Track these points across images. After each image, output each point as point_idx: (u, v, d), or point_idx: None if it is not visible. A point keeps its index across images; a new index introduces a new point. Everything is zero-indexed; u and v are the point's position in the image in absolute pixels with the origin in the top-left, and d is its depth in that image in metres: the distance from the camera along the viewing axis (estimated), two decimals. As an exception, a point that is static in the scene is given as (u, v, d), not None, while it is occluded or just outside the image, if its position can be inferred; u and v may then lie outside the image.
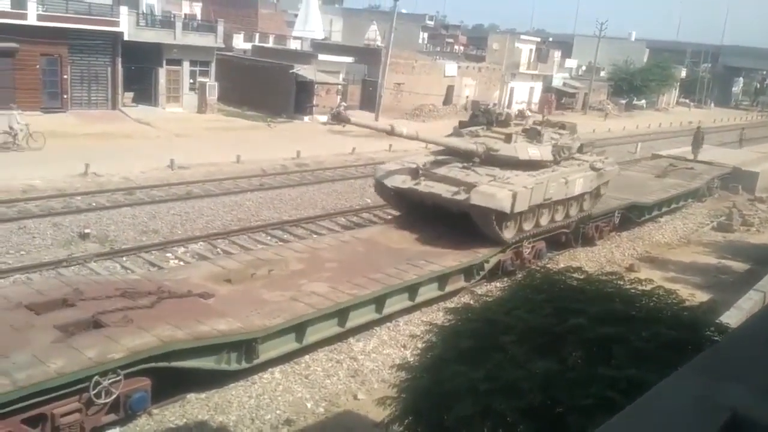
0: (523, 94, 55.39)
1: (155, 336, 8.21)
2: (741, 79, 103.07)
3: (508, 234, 14.12)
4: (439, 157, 15.37)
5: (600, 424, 1.74)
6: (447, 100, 46.52)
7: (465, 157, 14.92)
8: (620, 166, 28.88)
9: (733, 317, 10.13)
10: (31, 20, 27.86)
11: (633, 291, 5.39)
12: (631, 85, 66.95)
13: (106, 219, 16.07)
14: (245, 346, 9.20)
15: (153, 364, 8.08)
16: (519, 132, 15.55)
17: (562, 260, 15.97)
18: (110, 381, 7.58)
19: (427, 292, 12.65)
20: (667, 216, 22.47)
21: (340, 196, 20.69)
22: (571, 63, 69.36)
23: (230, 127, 31.99)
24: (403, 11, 59.92)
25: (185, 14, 41.96)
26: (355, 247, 13.65)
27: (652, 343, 4.50)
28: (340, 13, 70.99)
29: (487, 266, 14.05)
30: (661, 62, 72.06)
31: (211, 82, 35.53)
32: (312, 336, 10.29)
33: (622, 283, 5.56)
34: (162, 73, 34.04)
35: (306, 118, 37.06)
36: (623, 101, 65.40)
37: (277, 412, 8.98)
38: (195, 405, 8.82)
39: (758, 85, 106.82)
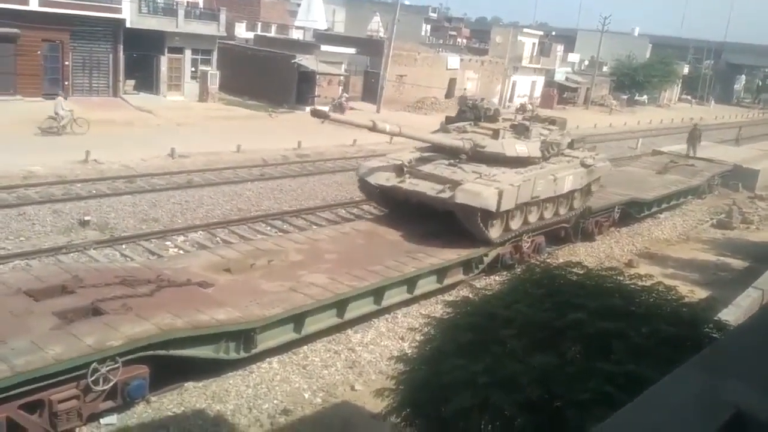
0: (525, 88, 55.29)
1: (154, 324, 8.21)
2: (743, 76, 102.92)
3: (495, 233, 13.79)
4: (425, 154, 14.95)
5: (598, 418, 1.73)
6: (449, 93, 46.42)
7: (451, 153, 14.55)
8: (622, 162, 29.14)
9: (731, 314, 10.13)
10: (33, 6, 27.74)
11: (633, 287, 5.40)
12: (633, 81, 66.87)
13: (107, 206, 16.06)
14: (244, 336, 9.21)
15: (151, 352, 8.08)
16: (507, 128, 15.14)
17: (561, 255, 15.99)
18: (108, 368, 7.59)
19: (425, 285, 12.65)
20: (666, 212, 22.47)
21: (341, 188, 20.66)
22: (573, 57, 69.23)
23: (231, 117, 31.93)
24: (407, 3, 59.95)
25: (188, 2, 41.67)
26: (355, 239, 13.64)
27: (652, 339, 4.51)
28: (343, 3, 70.68)
29: (486, 260, 14.05)
30: (664, 58, 71.93)
31: (212, 71, 35.44)
32: (310, 327, 10.30)
33: (621, 278, 5.57)
34: (164, 61, 33.95)
35: (307, 109, 36.87)
36: (625, 97, 65.30)
37: (275, 401, 9.00)
38: (193, 393, 8.84)
39: (760, 83, 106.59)
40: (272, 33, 47.98)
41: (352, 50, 41.59)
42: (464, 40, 77.92)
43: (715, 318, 5.35)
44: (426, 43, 60.05)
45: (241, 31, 45.11)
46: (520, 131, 15.01)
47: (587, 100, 60.23)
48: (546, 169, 14.85)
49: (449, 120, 16.10)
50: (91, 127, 23.78)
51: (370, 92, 41.47)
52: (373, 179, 14.49)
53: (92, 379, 7.46)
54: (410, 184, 13.95)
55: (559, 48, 63.69)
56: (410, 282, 12.21)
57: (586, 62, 69.75)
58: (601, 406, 3.83)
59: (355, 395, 9.50)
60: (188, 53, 34.83)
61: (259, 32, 46.46)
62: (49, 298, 8.62)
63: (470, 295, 6.28)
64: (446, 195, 13.19)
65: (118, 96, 31.59)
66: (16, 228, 14.04)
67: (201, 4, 44.16)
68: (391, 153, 16.55)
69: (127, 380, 7.88)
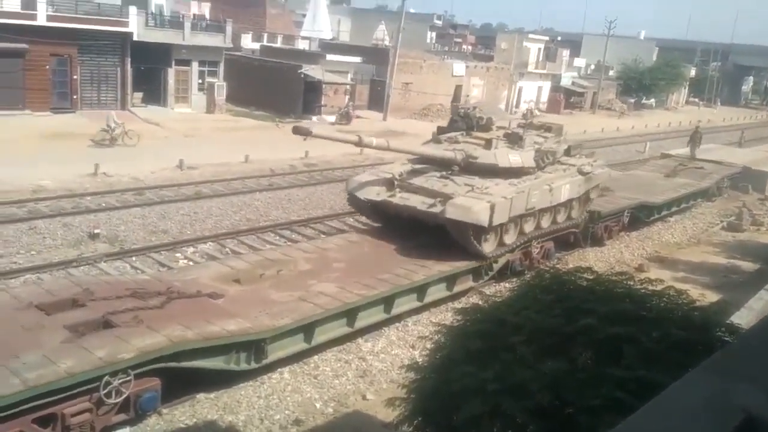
0: (531, 94, 55.26)
1: (165, 336, 8.24)
2: (751, 77, 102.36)
3: (488, 247, 13.35)
4: (417, 166, 14.44)
5: (609, 424, 1.73)
6: (455, 100, 46.44)
7: (443, 165, 14.10)
8: (631, 166, 29.06)
9: (743, 317, 10.07)
10: (41, 21, 28.03)
11: (643, 291, 5.37)
12: (640, 84, 66.69)
13: (116, 219, 16.14)
14: (254, 347, 9.22)
15: (163, 364, 8.12)
16: (500, 137, 14.68)
17: (571, 260, 15.93)
18: (120, 381, 7.62)
19: (435, 293, 12.64)
20: (676, 216, 22.37)
21: (349, 196, 20.66)
22: (579, 62, 69.15)
23: (239, 127, 32.06)
24: (411, 11, 59.77)
25: (194, 14, 42.10)
26: (364, 248, 13.63)
27: (663, 344, 4.49)
28: (348, 12, 71.07)
29: (496, 266, 14.00)
30: (671, 61, 71.69)
31: (219, 82, 35.63)
32: (321, 336, 10.30)
33: (632, 283, 5.54)
34: (171, 73, 34.18)
35: (314, 118, 37.06)
36: (632, 100, 65.14)
37: (286, 412, 9.00)
38: (204, 405, 8.85)
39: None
40: (278, 43, 48.16)
41: (357, 59, 41.73)
42: (469, 47, 78.09)
43: (727, 321, 5.33)
44: (431, 50, 60.19)
45: (248, 42, 45.31)
46: (514, 140, 14.57)
47: (594, 105, 60.13)
48: (541, 179, 14.41)
49: (441, 130, 15.63)
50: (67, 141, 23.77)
51: (377, 100, 41.57)
52: (362, 194, 14.03)
53: (105, 392, 7.49)
54: (400, 198, 13.53)
55: (565, 53, 63.66)
56: (420, 290, 12.20)
57: (593, 67, 69.61)
58: (613, 411, 3.81)
59: (366, 404, 9.48)
60: (195, 65, 35.05)
61: (265, 43, 46.64)
62: (61, 312, 8.67)
63: (480, 302, 6.27)
64: (437, 209, 12.79)
65: (127, 109, 31.78)
66: (27, 242, 14.12)
67: (207, 16, 44.51)
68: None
69: (139, 393, 7.91)
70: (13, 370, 7.06)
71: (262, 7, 54.89)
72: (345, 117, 37.12)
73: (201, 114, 34.39)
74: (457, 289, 13.09)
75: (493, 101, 49.21)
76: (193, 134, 28.68)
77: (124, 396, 7.70)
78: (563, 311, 4.94)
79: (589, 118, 53.12)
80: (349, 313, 10.74)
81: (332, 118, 36.82)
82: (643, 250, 18.48)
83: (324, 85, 37.80)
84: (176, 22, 34.98)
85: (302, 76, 36.79)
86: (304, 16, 52.87)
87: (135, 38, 31.25)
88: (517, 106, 50.99)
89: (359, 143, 12.90)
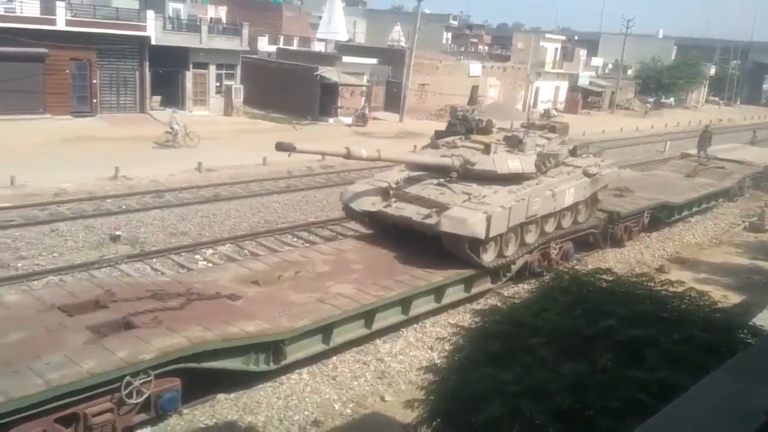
0: (548, 94, 55.03)
1: (185, 337, 8.32)
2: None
3: (488, 257, 12.79)
4: (413, 173, 13.84)
5: (631, 427, 1.73)
6: (471, 100, 46.36)
7: (441, 171, 13.53)
8: (651, 166, 28.81)
9: (766, 319, 9.93)
10: (60, 26, 28.42)
11: (664, 293, 5.33)
12: (659, 83, 66.15)
13: (136, 221, 16.31)
14: (273, 348, 9.27)
15: (183, 365, 8.19)
16: (500, 140, 14.09)
17: (590, 261, 15.82)
18: (141, 381, 7.69)
19: (453, 294, 12.61)
20: (697, 216, 22.13)
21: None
22: (597, 61, 68.78)
23: (256, 130, 32.22)
24: (427, 12, 59.98)
25: (211, 18, 42.37)
26: (381, 249, 13.60)
27: (684, 346, 4.45)
28: (364, 14, 71.22)
29: (514, 268, 13.93)
30: (690, 59, 71.06)
31: (236, 85, 35.88)
32: (339, 337, 10.33)
33: (652, 284, 5.49)
34: (189, 76, 34.49)
35: (331, 120, 37.23)
36: (651, 99, 64.60)
37: (305, 413, 9.03)
38: (224, 405, 8.91)
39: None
40: (294, 46, 48.36)
41: (373, 60, 41.80)
42: (486, 47, 77.84)
43: (750, 323, 5.27)
44: (447, 51, 60.13)
45: (264, 45, 45.55)
46: (514, 144, 13.97)
47: (612, 104, 59.71)
48: (543, 184, 13.75)
49: (439, 134, 15.10)
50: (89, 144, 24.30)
51: (393, 102, 41.62)
52: (357, 205, 13.58)
53: (126, 392, 7.57)
54: (396, 208, 13.05)
55: (582, 52, 63.33)
56: (437, 291, 12.18)
57: (610, 66, 69.18)
58: (634, 414, 3.79)
59: (385, 406, 9.49)
60: (212, 68, 35.34)
61: (281, 45, 46.86)
62: (83, 313, 8.78)
63: (498, 304, 6.26)
64: (433, 220, 12.28)
65: (145, 112, 32.11)
66: (49, 244, 14.32)
67: (224, 20, 44.81)
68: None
69: (160, 393, 7.98)
70: (36, 371, 7.16)
71: (278, 10, 55.18)
72: (361, 119, 37.19)
73: (218, 117, 34.64)
74: (475, 290, 13.03)
75: (510, 101, 49.08)
76: (210, 137, 28.83)
77: (145, 396, 7.77)
78: (583, 313, 4.92)
79: (607, 118, 52.77)
80: (367, 315, 10.76)
81: (348, 120, 36.92)
82: (663, 251, 18.30)
83: (340, 87, 37.93)
84: (193, 26, 35.30)
85: (318, 78, 36.92)
86: (319, 18, 53.09)
87: (153, 42, 31.57)
88: (534, 106, 50.77)
89: (348, 155, 12.34)
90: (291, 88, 37.25)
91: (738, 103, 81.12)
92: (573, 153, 15.54)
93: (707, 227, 21.36)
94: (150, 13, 31.75)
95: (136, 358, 7.72)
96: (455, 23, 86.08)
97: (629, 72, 68.03)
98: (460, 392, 4.91)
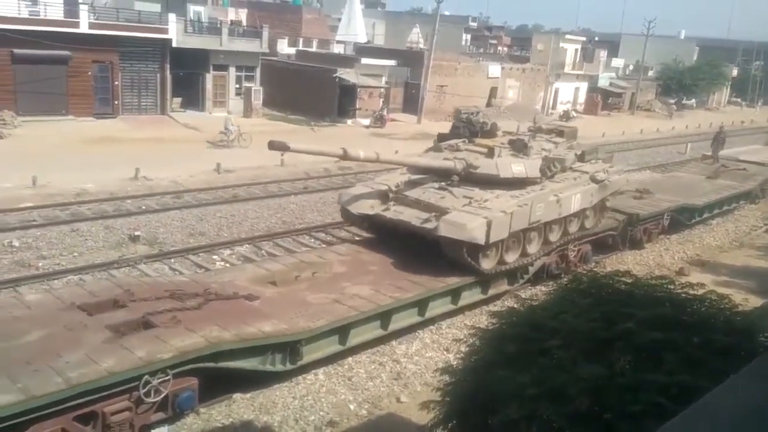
0: (568, 95, 54.66)
1: (203, 337, 8.36)
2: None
3: (488, 264, 12.37)
4: (414, 177, 13.47)
5: (650, 431, 1.70)
6: (489, 102, 46.21)
7: (442, 175, 13.19)
8: (671, 168, 28.51)
9: (789, 323, 9.79)
10: (83, 28, 28.74)
11: (684, 295, 5.26)
12: (680, 85, 65.46)
13: (155, 222, 16.45)
14: (289, 348, 9.30)
15: (200, 365, 8.23)
16: (504, 144, 13.71)
17: (609, 264, 15.69)
18: (159, 380, 7.74)
19: (470, 296, 12.56)
20: (718, 218, 21.86)
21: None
22: (617, 62, 68.16)
23: (275, 131, 32.28)
24: (446, 13, 59.75)
25: (231, 21, 42.64)
26: (397, 250, 13.56)
27: (705, 350, 4.39)
28: (383, 16, 71.28)
29: (532, 269, 13.85)
30: (712, 60, 70.26)
31: (256, 87, 36.07)
32: (355, 338, 10.33)
33: (672, 287, 5.43)
34: (209, 78, 34.73)
35: (349, 122, 37.32)
36: (672, 101, 63.95)
37: (321, 413, 9.05)
38: (241, 405, 8.95)
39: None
40: (313, 48, 48.55)
41: (392, 62, 41.81)
42: (505, 49, 77.49)
43: (771, 327, 5.18)
44: (466, 52, 59.92)
45: (283, 47, 45.76)
46: (519, 148, 13.53)
47: (633, 106, 59.20)
48: (547, 189, 13.32)
49: (442, 137, 14.81)
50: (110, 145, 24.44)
51: (411, 103, 41.60)
52: (354, 208, 13.19)
53: (144, 391, 7.62)
54: (394, 212, 12.66)
55: (603, 53, 62.86)
56: (454, 293, 12.14)
57: (631, 67, 68.58)
58: (654, 418, 3.74)
59: (400, 407, 9.47)
60: (232, 70, 35.55)
61: (300, 48, 47.05)
62: (102, 312, 8.86)
63: (516, 306, 6.22)
64: (431, 225, 11.84)
65: (166, 114, 32.40)
66: (70, 243, 14.48)
67: (244, 22, 45.09)
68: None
69: (177, 392, 8.03)
70: (56, 369, 7.24)
71: (297, 13, 55.39)
72: (379, 120, 37.22)
73: (238, 118, 34.80)
74: (491, 292, 12.98)
75: (529, 103, 48.81)
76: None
77: (163, 395, 7.82)
78: (601, 315, 4.88)
79: (628, 119, 52.32)
80: (383, 316, 10.75)
81: (367, 122, 36.97)
82: (683, 253, 18.10)
83: (359, 89, 38.00)
84: (214, 29, 35.53)
85: (337, 80, 37.03)
86: (339, 20, 53.17)
87: (174, 44, 31.84)
88: (553, 108, 50.48)
89: (344, 156, 12.00)
90: (310, 90, 37.37)
91: (760, 104, 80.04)
92: (581, 158, 15.09)
93: (728, 229, 21.09)
94: (171, 16, 32.03)
95: (154, 357, 7.78)
96: (474, 25, 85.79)
97: (650, 73, 67.37)
98: (476, 394, 4.89)
